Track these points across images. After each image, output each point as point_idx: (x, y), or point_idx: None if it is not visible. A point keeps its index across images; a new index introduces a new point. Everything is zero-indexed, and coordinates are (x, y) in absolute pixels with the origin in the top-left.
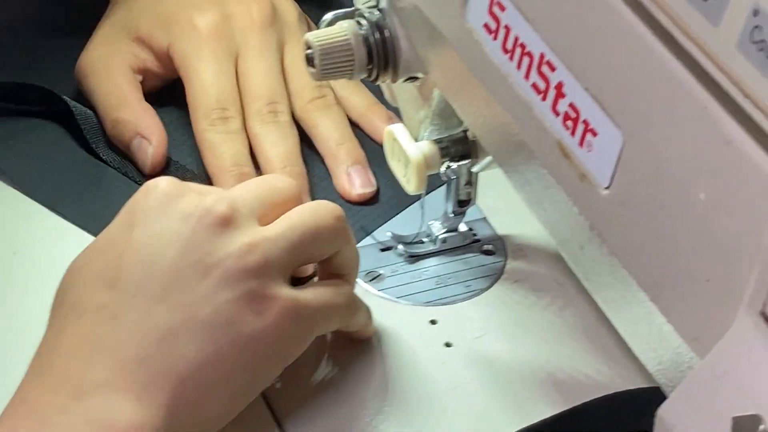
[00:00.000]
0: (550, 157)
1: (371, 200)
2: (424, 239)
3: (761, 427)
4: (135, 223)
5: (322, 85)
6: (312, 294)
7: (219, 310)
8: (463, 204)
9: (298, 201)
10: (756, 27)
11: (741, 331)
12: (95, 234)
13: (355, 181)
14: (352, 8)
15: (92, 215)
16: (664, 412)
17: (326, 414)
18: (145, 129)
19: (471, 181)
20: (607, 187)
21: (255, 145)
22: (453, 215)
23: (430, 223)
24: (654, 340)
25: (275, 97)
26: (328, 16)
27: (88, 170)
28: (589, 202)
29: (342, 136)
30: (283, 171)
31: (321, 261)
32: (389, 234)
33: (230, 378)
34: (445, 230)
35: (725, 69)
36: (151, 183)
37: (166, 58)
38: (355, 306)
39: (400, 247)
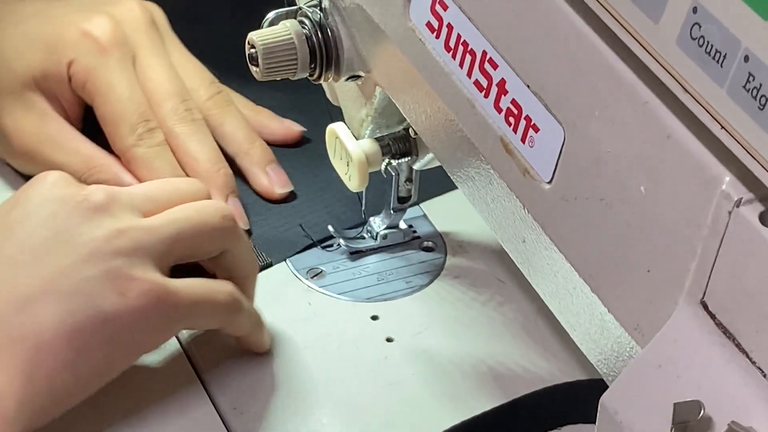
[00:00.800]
0: (493, 152)
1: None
2: (365, 235)
3: (702, 412)
4: (17, 204)
5: (214, 81)
6: (184, 285)
7: (80, 284)
8: (403, 201)
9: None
10: (695, 24)
11: (681, 320)
12: None
13: (275, 180)
14: (295, 7)
15: None
16: (606, 399)
17: (267, 409)
18: (127, 180)
19: (411, 178)
20: (549, 182)
21: (176, 146)
22: (393, 212)
23: (370, 219)
24: (595, 330)
25: (184, 94)
26: (271, 14)
27: None
28: (532, 196)
29: (250, 134)
30: (217, 173)
31: (211, 261)
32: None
33: (86, 353)
34: (385, 227)
35: (665, 65)
36: (42, 174)
37: (73, 84)
38: (236, 308)
39: (341, 241)
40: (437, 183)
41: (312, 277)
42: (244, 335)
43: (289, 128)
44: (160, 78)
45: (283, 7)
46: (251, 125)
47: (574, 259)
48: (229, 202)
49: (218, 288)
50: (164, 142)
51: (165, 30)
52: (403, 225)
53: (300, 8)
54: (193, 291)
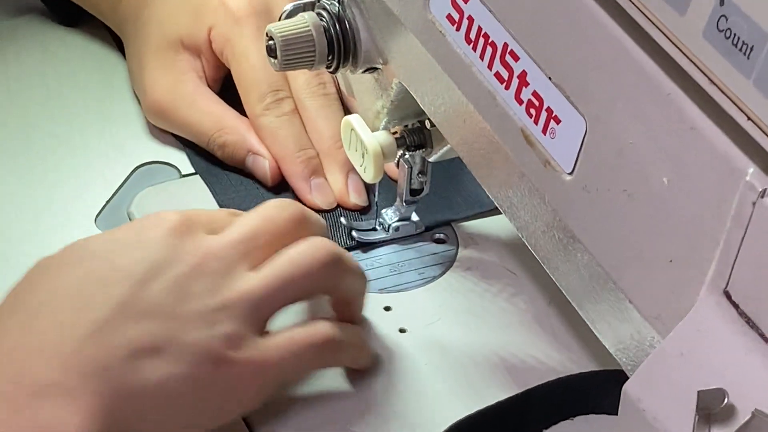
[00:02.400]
0: (514, 144)
1: None
2: (377, 227)
3: (726, 400)
4: (139, 242)
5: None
6: (276, 347)
7: (184, 349)
8: (415, 193)
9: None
10: (722, 16)
11: (704, 309)
12: None
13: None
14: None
15: None
16: (629, 387)
17: (282, 401)
18: (254, 145)
19: (424, 170)
20: (570, 173)
21: (305, 118)
22: (406, 204)
23: (382, 211)
24: (615, 320)
25: None
26: (288, 6)
27: None
28: (553, 187)
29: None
30: (338, 150)
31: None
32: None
33: (173, 415)
34: (397, 219)
35: (691, 57)
36: (163, 214)
37: (214, 49)
38: (335, 349)
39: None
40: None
41: None
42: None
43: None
44: None
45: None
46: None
47: (595, 250)
48: (349, 180)
49: (310, 342)
50: (292, 113)
51: None
52: (415, 217)
53: (317, 1)
54: (284, 356)
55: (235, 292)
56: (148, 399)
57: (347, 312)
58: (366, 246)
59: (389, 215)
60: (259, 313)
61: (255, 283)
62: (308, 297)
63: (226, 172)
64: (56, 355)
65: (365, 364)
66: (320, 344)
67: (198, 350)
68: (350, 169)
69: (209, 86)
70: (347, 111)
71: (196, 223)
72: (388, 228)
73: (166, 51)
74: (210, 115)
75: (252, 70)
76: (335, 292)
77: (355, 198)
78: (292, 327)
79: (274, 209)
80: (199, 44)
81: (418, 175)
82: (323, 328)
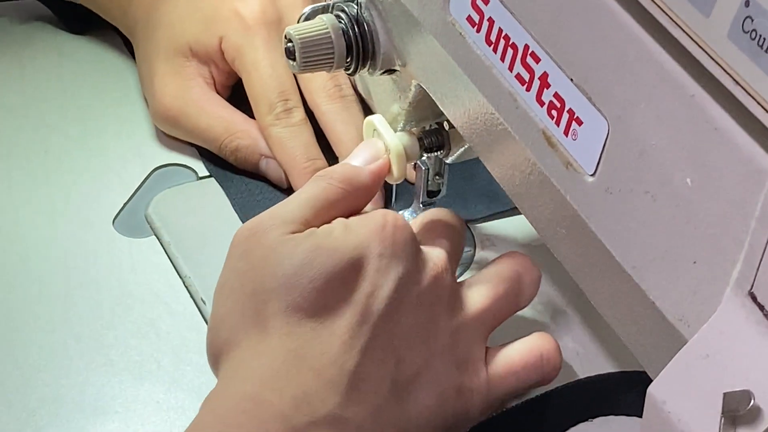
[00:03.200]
0: (535, 145)
1: None
2: None
3: (752, 402)
4: (381, 253)
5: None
6: (506, 379)
7: (431, 378)
8: (432, 195)
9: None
10: (747, 17)
11: (729, 310)
12: None
13: None
14: (331, 1)
15: None
16: (654, 389)
17: None
18: (266, 148)
19: (441, 172)
20: (592, 174)
21: (324, 123)
22: (423, 206)
23: (400, 212)
24: (638, 322)
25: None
26: (307, 9)
27: None
28: (575, 189)
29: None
30: None
31: None
32: None
33: None
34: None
35: (716, 58)
36: (392, 219)
37: (225, 59)
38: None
39: None
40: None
41: None
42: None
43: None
44: None
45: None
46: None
47: (618, 251)
48: None
49: (540, 365)
50: (301, 122)
51: None
52: None
53: (336, 3)
54: (512, 383)
55: (465, 316)
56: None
57: None
58: None
59: (406, 217)
60: (488, 327)
61: (481, 302)
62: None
63: (240, 175)
64: (336, 388)
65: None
66: (547, 370)
67: (443, 380)
68: None
69: (218, 93)
70: (366, 111)
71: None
72: None
73: (174, 57)
74: (220, 120)
75: (261, 80)
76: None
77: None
78: (517, 347)
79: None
80: (208, 52)
81: (434, 176)
82: (550, 350)
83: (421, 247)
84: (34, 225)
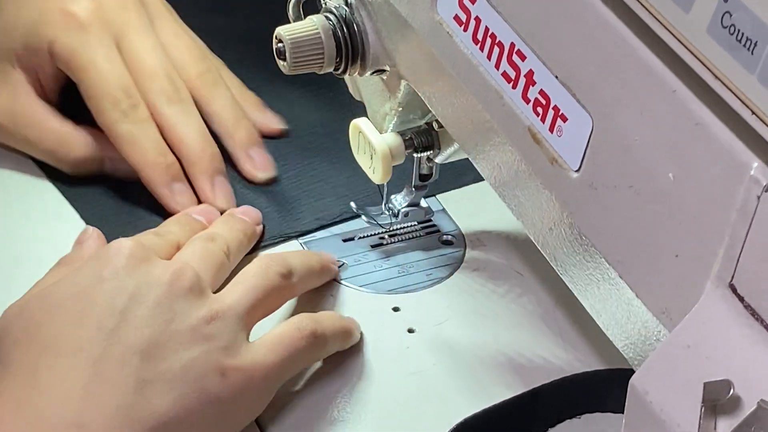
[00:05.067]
0: (521, 142)
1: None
2: (386, 212)
3: (731, 391)
4: (106, 276)
5: (203, 58)
6: (269, 350)
7: (188, 367)
8: (425, 179)
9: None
10: (726, 12)
11: (710, 302)
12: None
13: (258, 164)
14: None
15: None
16: (636, 380)
17: (295, 402)
18: (106, 150)
19: (432, 156)
20: (577, 170)
21: (166, 128)
22: (415, 189)
23: (392, 197)
24: (623, 316)
25: (171, 73)
26: None
27: None
28: (560, 184)
29: (236, 114)
30: (202, 155)
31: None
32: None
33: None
34: (406, 204)
35: (696, 53)
36: (116, 244)
37: (54, 63)
38: (322, 343)
39: (363, 218)
40: (456, 178)
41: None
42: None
43: (269, 122)
44: (145, 56)
45: None
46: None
47: (602, 246)
48: (216, 183)
49: (299, 336)
50: (149, 119)
51: (155, 6)
52: (424, 203)
53: (326, 3)
54: (279, 355)
55: (221, 304)
56: (165, 426)
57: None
58: (374, 247)
59: (398, 201)
60: (248, 319)
61: (240, 293)
62: (279, 305)
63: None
64: (69, 401)
65: (353, 342)
66: (308, 337)
67: (202, 365)
68: (217, 173)
69: (48, 100)
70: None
71: (148, 246)
72: (398, 213)
73: (0, 65)
74: (50, 132)
75: (101, 77)
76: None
77: (222, 202)
78: (276, 328)
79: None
80: (36, 57)
81: (426, 160)
82: (307, 323)
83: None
84: None
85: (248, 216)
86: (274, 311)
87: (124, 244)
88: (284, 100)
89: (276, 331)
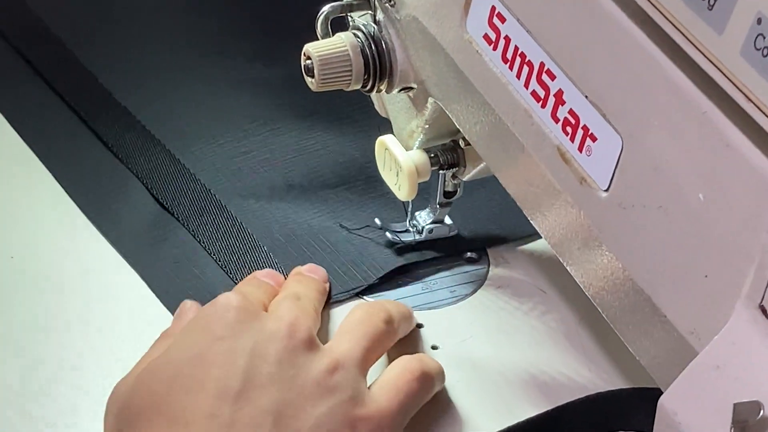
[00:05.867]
0: (550, 161)
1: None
2: (410, 229)
3: (761, 412)
4: (220, 335)
5: None
6: (393, 396)
7: (320, 423)
8: (449, 195)
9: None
10: (759, 35)
11: (740, 323)
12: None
13: None
14: (347, 2)
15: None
16: (665, 400)
17: None
18: None
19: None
20: (606, 190)
21: None
22: (439, 206)
23: (416, 213)
24: (650, 336)
25: None
26: (326, 8)
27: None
28: (589, 204)
29: None
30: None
31: None
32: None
33: None
34: (431, 221)
35: (729, 75)
36: (222, 299)
37: None
38: (431, 383)
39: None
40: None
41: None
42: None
43: None
44: None
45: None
46: None
47: (630, 265)
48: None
49: (411, 378)
50: None
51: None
52: (448, 220)
53: (351, 4)
54: (399, 401)
55: (337, 353)
56: None
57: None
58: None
59: (423, 217)
60: (364, 366)
61: (351, 341)
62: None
63: None
64: None
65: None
66: (419, 379)
67: (332, 420)
68: None
69: None
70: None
71: (252, 300)
72: (422, 230)
73: None
74: None
75: None
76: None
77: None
78: (385, 373)
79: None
80: None
81: (451, 177)
82: (415, 365)
83: (270, 311)
84: None
85: (316, 274)
86: (379, 358)
87: (231, 298)
88: (331, 139)
89: (387, 376)
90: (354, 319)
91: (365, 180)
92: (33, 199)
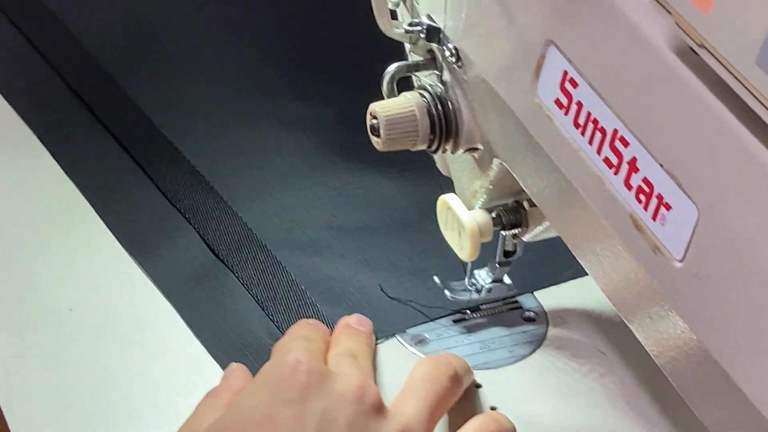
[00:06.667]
0: (622, 229)
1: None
2: (470, 288)
3: None
4: (288, 397)
5: None
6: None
7: None
8: (509, 255)
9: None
10: None
11: None
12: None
13: None
14: (413, 61)
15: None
16: None
17: None
18: None
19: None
20: (680, 260)
21: None
22: (498, 266)
23: (475, 272)
24: (722, 405)
25: None
26: (391, 68)
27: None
28: (663, 273)
29: None
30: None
31: None
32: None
33: None
34: (490, 281)
35: None
36: (290, 359)
37: None
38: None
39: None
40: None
41: (416, 344)
42: None
43: None
44: None
45: None
46: None
47: (705, 336)
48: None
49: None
50: None
51: None
52: (507, 280)
53: (417, 64)
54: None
55: (404, 417)
56: None
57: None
58: (456, 322)
59: (482, 276)
60: (429, 427)
61: (417, 403)
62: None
63: None
64: None
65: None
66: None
67: None
68: None
69: None
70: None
71: (319, 356)
72: (481, 289)
73: None
74: None
75: None
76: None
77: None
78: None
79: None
80: None
81: (511, 237)
82: (490, 423)
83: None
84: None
85: (363, 326)
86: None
87: (300, 358)
88: (373, 181)
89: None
90: (418, 376)
91: (417, 230)
92: (90, 250)
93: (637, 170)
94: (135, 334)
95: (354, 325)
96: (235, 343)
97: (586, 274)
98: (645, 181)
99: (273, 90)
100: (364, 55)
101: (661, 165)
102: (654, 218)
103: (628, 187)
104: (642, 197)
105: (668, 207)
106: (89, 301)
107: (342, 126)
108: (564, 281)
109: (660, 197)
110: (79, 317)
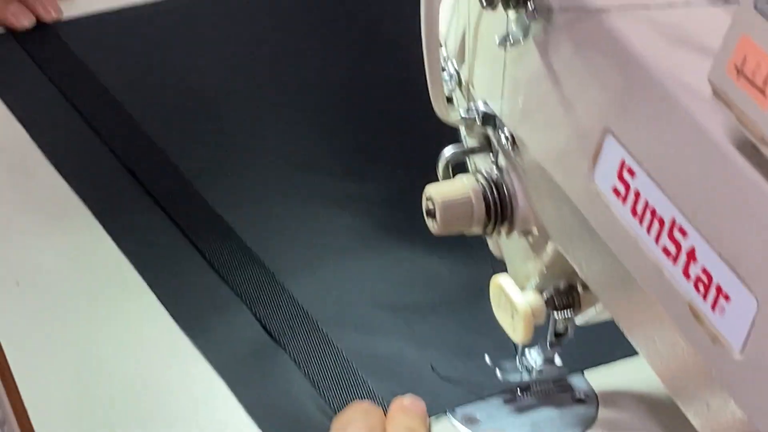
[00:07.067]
0: (680, 318)
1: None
2: (521, 369)
3: None
4: None
5: None
6: None
7: None
8: (560, 336)
9: None
10: None
11: None
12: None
13: None
14: (469, 148)
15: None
16: None
17: None
18: None
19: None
20: (740, 351)
21: None
22: (549, 347)
23: (525, 350)
24: None
25: None
26: (447, 151)
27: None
28: (722, 364)
29: None
30: None
31: None
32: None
33: None
34: (541, 361)
35: None
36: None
37: None
38: None
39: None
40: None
41: (467, 423)
42: None
43: None
44: None
45: None
46: None
47: (765, 429)
48: None
49: None
50: None
51: None
52: (558, 360)
53: (473, 149)
54: None
55: None
56: None
57: None
58: (507, 402)
59: (533, 356)
60: None
61: None
62: None
63: None
64: None
65: None
66: None
67: None
68: None
69: None
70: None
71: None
72: (532, 369)
73: None
74: None
75: None
76: None
77: None
78: None
79: None
80: None
81: (563, 318)
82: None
83: None
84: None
85: (416, 407)
86: None
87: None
88: (423, 260)
89: None
90: None
91: (467, 309)
92: (143, 326)
93: (695, 260)
94: (189, 413)
95: (408, 405)
96: (288, 421)
97: (636, 353)
98: (704, 271)
99: (324, 167)
100: (417, 135)
101: (719, 255)
102: (713, 308)
103: (687, 276)
104: (701, 287)
105: (727, 297)
106: (144, 377)
107: (392, 205)
108: (614, 360)
109: (719, 288)
110: (132, 394)
